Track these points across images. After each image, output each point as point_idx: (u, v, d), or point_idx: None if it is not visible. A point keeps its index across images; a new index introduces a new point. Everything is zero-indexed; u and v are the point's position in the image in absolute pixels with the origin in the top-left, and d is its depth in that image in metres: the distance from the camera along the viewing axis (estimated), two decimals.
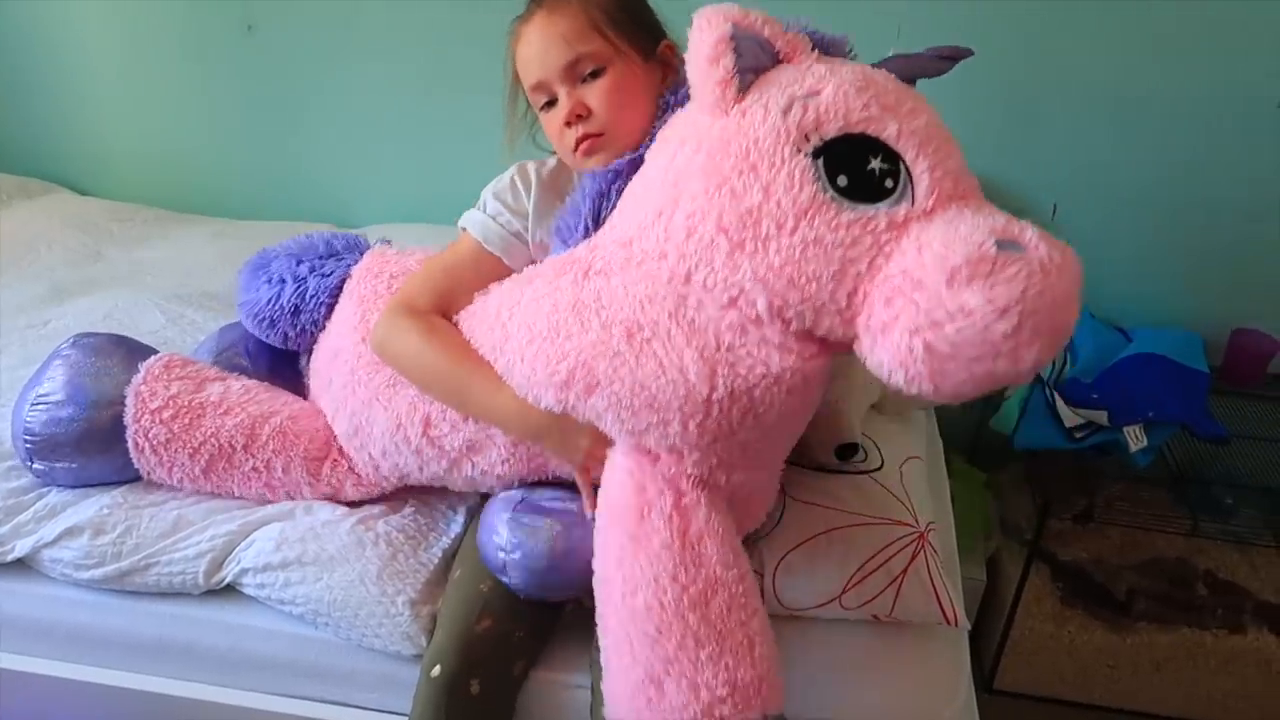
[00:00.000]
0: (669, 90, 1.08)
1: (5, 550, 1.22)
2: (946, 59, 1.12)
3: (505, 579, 1.10)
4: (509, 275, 1.12)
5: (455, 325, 1.12)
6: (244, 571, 1.20)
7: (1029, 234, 0.82)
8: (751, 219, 0.88)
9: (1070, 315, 0.82)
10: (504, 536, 1.09)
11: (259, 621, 1.21)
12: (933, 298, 0.80)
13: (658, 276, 0.95)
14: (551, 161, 1.18)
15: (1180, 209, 1.82)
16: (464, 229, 1.17)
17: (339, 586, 1.16)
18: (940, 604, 1.19)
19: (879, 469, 1.33)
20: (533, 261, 1.13)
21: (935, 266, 0.80)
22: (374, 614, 1.15)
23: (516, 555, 1.07)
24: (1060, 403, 1.64)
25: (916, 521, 1.24)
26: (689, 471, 0.98)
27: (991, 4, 1.72)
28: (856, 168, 0.87)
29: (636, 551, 0.96)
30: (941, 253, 0.80)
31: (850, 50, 1.05)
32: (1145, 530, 1.85)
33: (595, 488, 1.05)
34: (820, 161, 0.87)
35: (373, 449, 1.21)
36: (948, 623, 1.19)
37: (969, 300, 0.78)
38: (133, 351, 1.31)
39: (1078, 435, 1.62)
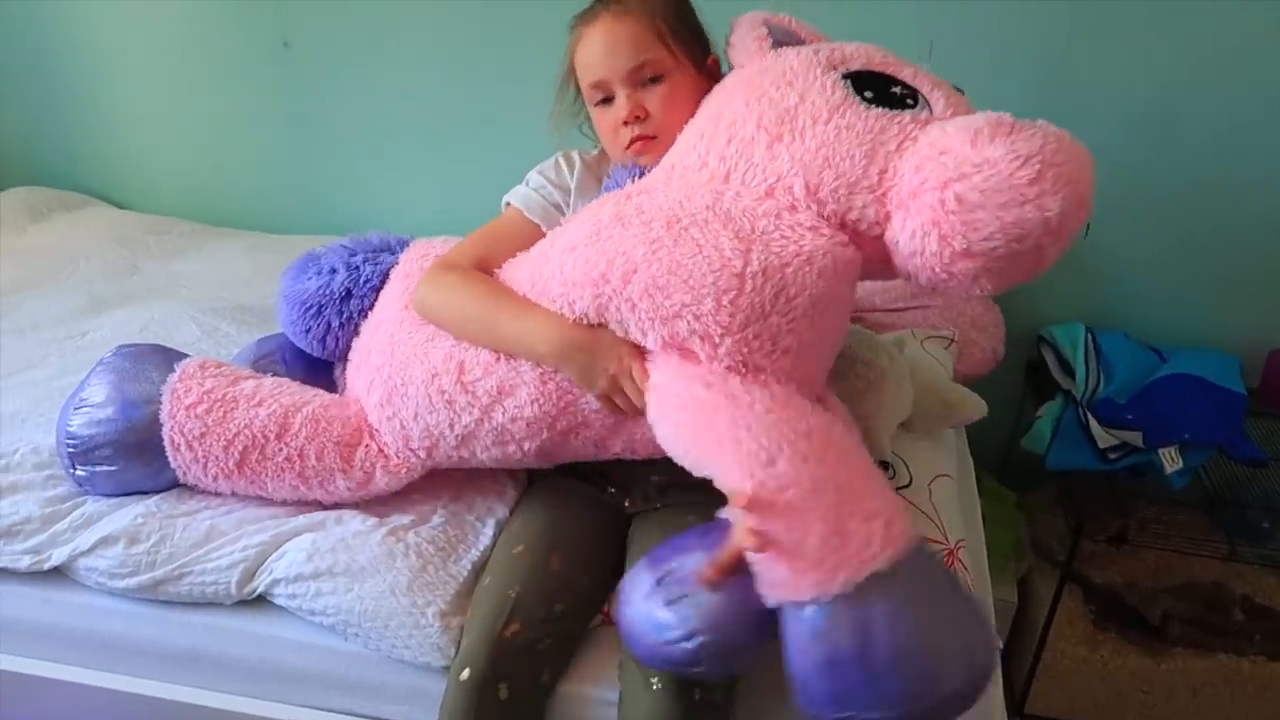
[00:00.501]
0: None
1: (42, 559, 1.23)
2: None
3: (698, 670, 0.97)
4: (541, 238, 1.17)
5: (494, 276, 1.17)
6: (276, 582, 1.20)
7: (1039, 122, 0.89)
8: (789, 115, 0.98)
9: (1088, 177, 0.88)
10: (672, 619, 0.95)
11: (290, 633, 1.21)
12: (959, 155, 0.87)
13: (698, 179, 1.02)
14: (594, 151, 1.26)
15: (1217, 227, 1.80)
16: (508, 203, 1.24)
17: (369, 597, 1.16)
18: None
19: (908, 486, 1.32)
20: None
21: (959, 132, 0.89)
22: (404, 625, 1.15)
23: (702, 639, 0.94)
24: (1094, 423, 1.62)
25: (946, 538, 1.23)
26: (726, 364, 0.97)
27: (1020, 17, 1.72)
28: (881, 88, 0.98)
29: (749, 424, 0.92)
30: (964, 122, 0.89)
31: None
32: (1180, 554, 1.83)
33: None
34: (848, 81, 0.98)
35: (405, 414, 1.21)
36: None
37: (993, 152, 0.85)
38: (170, 359, 1.32)
39: (1111, 456, 1.60)
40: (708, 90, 1.14)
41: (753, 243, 0.94)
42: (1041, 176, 0.83)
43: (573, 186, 1.23)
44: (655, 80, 1.14)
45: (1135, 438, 1.59)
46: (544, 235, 1.17)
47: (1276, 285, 1.82)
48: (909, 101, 0.96)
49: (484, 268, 1.17)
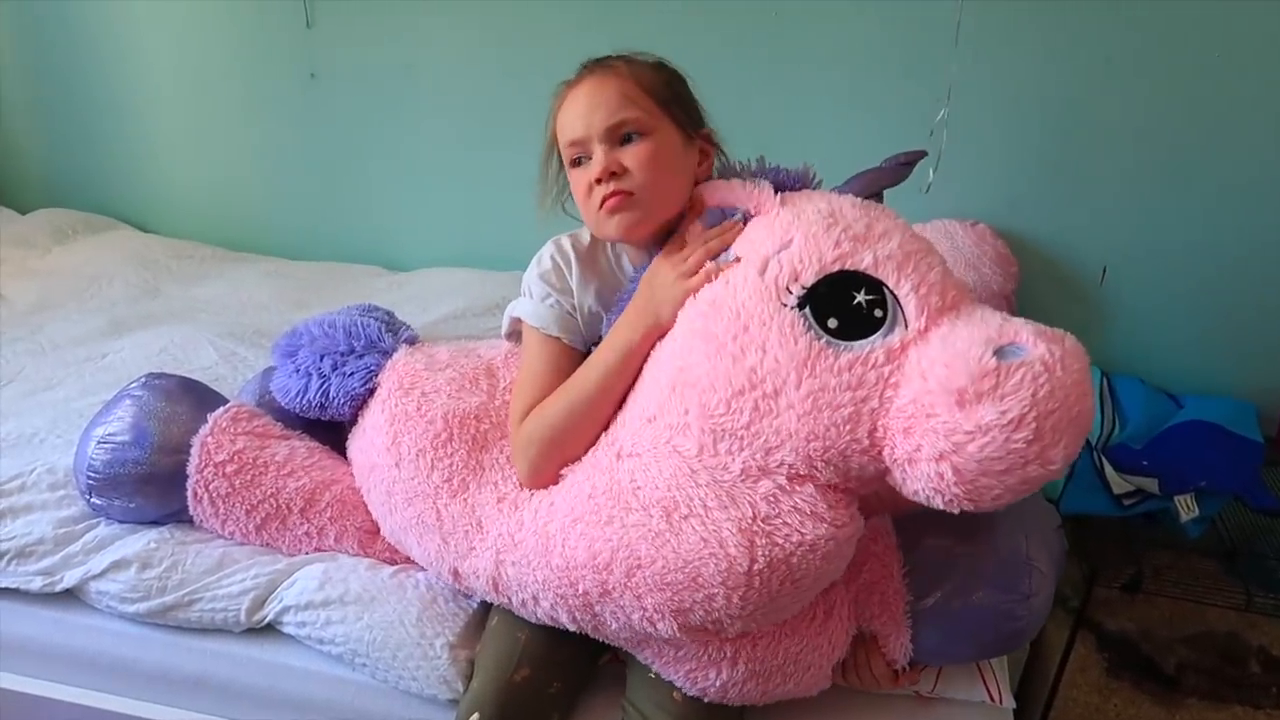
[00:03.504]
0: (729, 208, 1.06)
1: (54, 580, 1.24)
2: (904, 165, 1.16)
3: None
4: (577, 355, 1.13)
5: None
6: (286, 609, 1.20)
7: (1024, 334, 0.84)
8: (757, 379, 0.92)
9: (1085, 403, 0.84)
10: None
11: (297, 661, 1.21)
12: (948, 422, 0.82)
13: (686, 451, 0.97)
14: (584, 233, 1.19)
15: (1235, 274, 1.79)
16: (518, 318, 1.18)
17: (379, 626, 1.17)
18: (985, 683, 1.17)
19: None
20: (584, 335, 1.15)
21: (942, 391, 0.83)
22: (412, 656, 1.15)
23: None
24: (1109, 468, 1.61)
25: None
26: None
27: (1036, 63, 1.73)
28: (843, 306, 0.91)
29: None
30: (945, 376, 0.83)
31: (815, 178, 1.09)
32: (1196, 603, 1.80)
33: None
34: (807, 310, 0.91)
35: (415, 558, 1.22)
36: (992, 701, 1.17)
37: (983, 417, 0.81)
38: (201, 400, 1.32)
39: (1127, 502, 1.59)
40: (696, 165, 1.11)
41: (755, 535, 0.92)
42: (1039, 434, 0.80)
43: (574, 288, 1.15)
44: (634, 138, 1.06)
45: (1151, 484, 1.58)
46: (570, 348, 1.13)
47: None
48: (877, 314, 0.90)
49: None
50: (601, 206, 1.06)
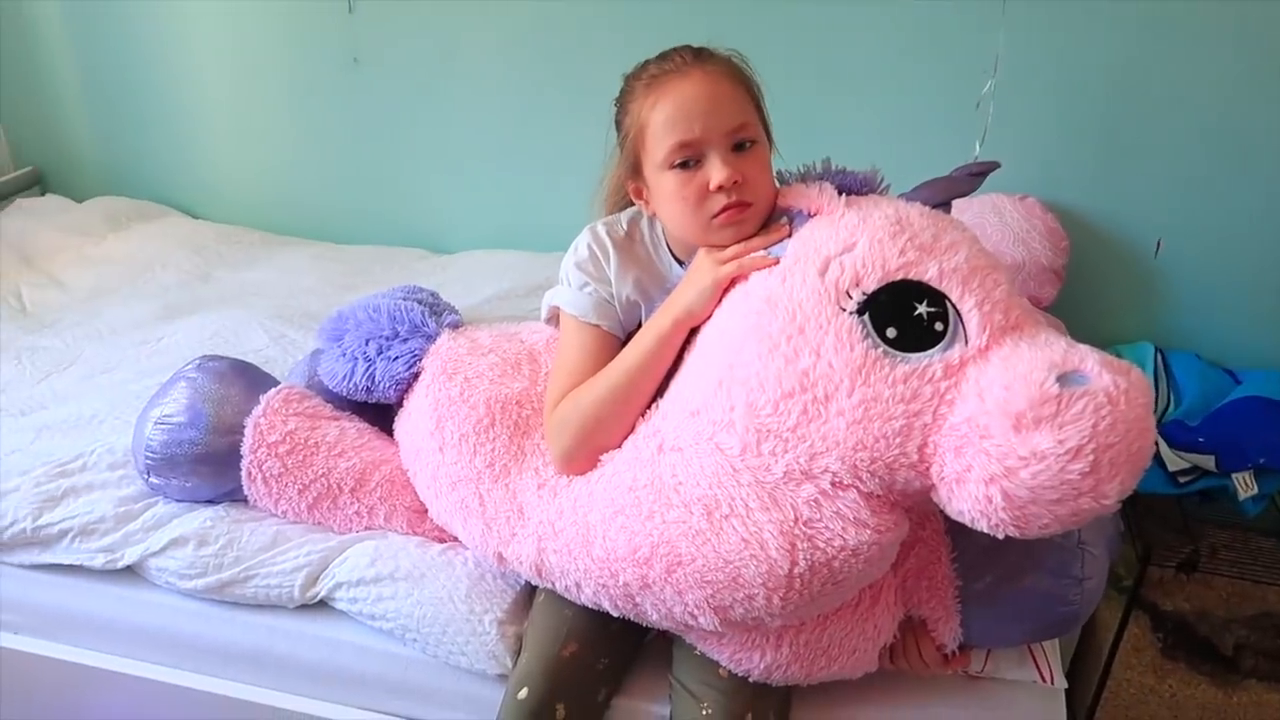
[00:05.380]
0: (793, 210, 1.05)
1: (115, 558, 1.28)
2: (976, 175, 1.14)
3: None
4: (615, 342, 1.12)
5: None
6: (338, 586, 1.23)
7: (1090, 362, 0.82)
8: (809, 383, 0.90)
9: (1146, 439, 0.82)
10: None
11: (350, 636, 1.24)
12: (1002, 445, 0.81)
13: (729, 449, 0.96)
14: (622, 221, 1.17)
15: None
16: (557, 307, 1.17)
17: (428, 603, 1.18)
18: (1036, 663, 1.16)
19: None
20: (622, 322, 1.14)
21: (1000, 413, 0.81)
22: (461, 631, 1.17)
23: None
24: (1163, 445, 1.58)
25: None
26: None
27: (1088, 31, 1.68)
28: (904, 316, 0.89)
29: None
30: (1003, 398, 0.82)
31: (882, 182, 1.07)
32: (1255, 583, 1.76)
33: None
34: (866, 317, 0.89)
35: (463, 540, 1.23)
36: (1043, 681, 1.16)
37: (1040, 444, 0.79)
38: (254, 381, 1.35)
39: (1182, 480, 1.55)
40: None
41: (796, 538, 0.92)
42: (1096, 467, 0.78)
43: (612, 277, 1.13)
44: (748, 145, 1.03)
45: (1207, 461, 1.54)
46: (608, 334, 1.13)
47: None
48: (938, 327, 0.88)
49: None
50: (717, 216, 1.02)
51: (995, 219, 1.72)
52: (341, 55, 2.05)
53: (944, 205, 1.20)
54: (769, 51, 1.80)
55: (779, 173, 1.11)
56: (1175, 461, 1.55)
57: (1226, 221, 1.76)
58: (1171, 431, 1.60)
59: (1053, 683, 1.16)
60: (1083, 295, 1.82)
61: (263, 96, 2.18)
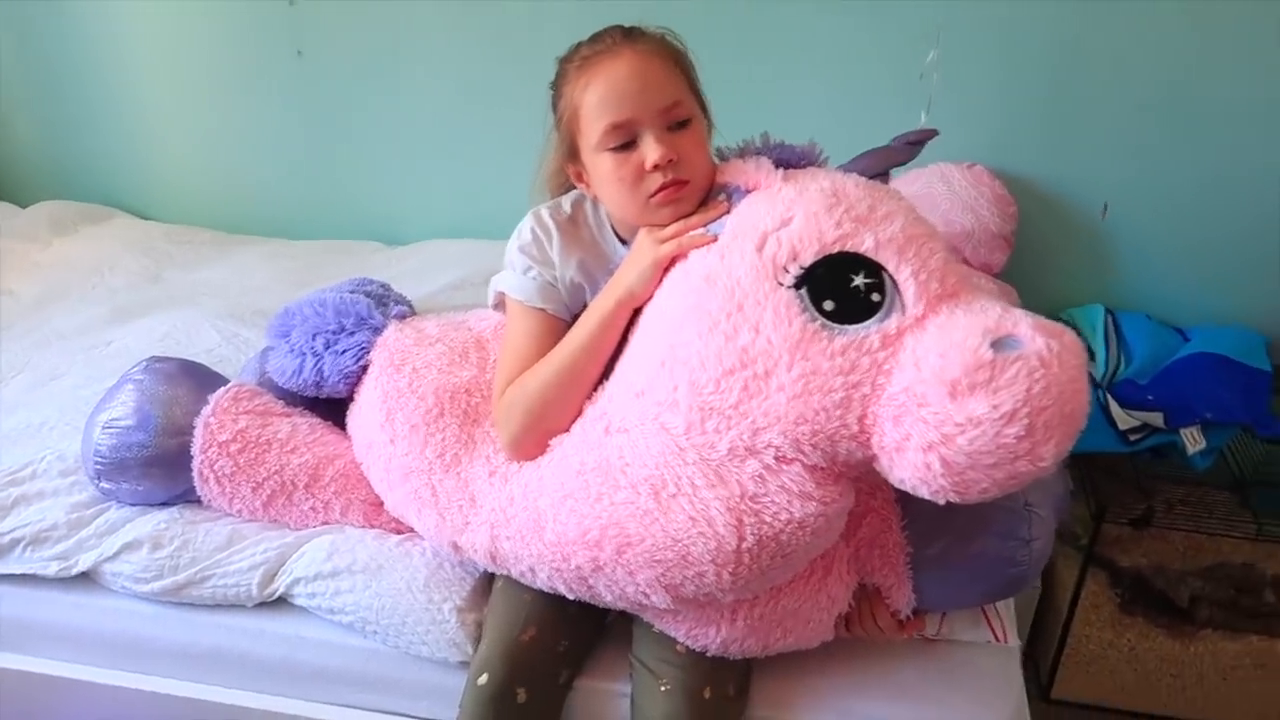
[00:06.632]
0: (731, 187, 1.05)
1: (69, 564, 1.27)
2: (914, 144, 1.14)
3: None
4: (561, 325, 1.12)
5: None
6: (296, 581, 1.22)
7: (1023, 326, 0.83)
8: (749, 359, 0.91)
9: (1080, 400, 0.83)
10: None
11: (310, 632, 1.24)
12: (939, 413, 0.82)
13: (674, 428, 0.97)
14: (564, 203, 1.17)
15: (1235, 205, 1.76)
16: (502, 292, 1.17)
17: (387, 594, 1.18)
18: (990, 624, 1.18)
19: None
20: (568, 305, 1.14)
21: (935, 381, 0.82)
22: (420, 621, 1.17)
23: None
24: (1114, 405, 1.60)
25: None
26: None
27: (1032, 2, 1.69)
28: (841, 288, 0.90)
29: None
30: (939, 365, 0.83)
31: (821, 155, 1.07)
32: (1210, 535, 1.80)
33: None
34: (804, 291, 0.90)
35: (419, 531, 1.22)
36: (997, 640, 1.17)
37: (975, 410, 0.80)
38: (202, 381, 1.34)
39: (1133, 438, 1.58)
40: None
41: (743, 514, 0.93)
42: (1031, 430, 0.79)
43: (555, 259, 1.13)
44: (684, 124, 1.03)
45: (1156, 418, 1.57)
46: (554, 318, 1.13)
47: None
48: (875, 298, 0.89)
49: None
50: (655, 195, 1.03)
51: (944, 187, 1.74)
52: (284, 48, 2.03)
53: (882, 175, 1.21)
54: (716, 28, 1.80)
55: (718, 149, 1.11)
56: (1125, 420, 1.58)
57: (1171, 183, 1.78)
58: (1122, 390, 1.62)
59: (1006, 642, 1.17)
60: (1033, 260, 1.84)
61: (207, 93, 2.15)
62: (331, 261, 2.03)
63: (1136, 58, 1.69)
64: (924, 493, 0.87)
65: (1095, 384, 1.67)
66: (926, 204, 1.72)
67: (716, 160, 1.10)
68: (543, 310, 1.13)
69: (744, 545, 0.94)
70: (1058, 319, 1.84)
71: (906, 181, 1.77)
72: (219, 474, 1.26)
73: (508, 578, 1.17)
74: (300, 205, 2.20)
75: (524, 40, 1.90)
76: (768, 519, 0.93)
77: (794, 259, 0.92)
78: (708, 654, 1.09)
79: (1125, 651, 1.68)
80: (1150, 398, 1.59)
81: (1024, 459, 0.81)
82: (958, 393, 0.81)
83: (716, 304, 0.94)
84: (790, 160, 1.05)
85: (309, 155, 2.15)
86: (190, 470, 1.26)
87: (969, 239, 1.71)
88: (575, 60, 1.06)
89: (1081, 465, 1.67)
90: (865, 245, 0.91)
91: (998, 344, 0.82)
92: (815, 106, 1.83)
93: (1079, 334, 1.77)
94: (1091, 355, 1.73)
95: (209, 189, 2.26)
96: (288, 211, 2.21)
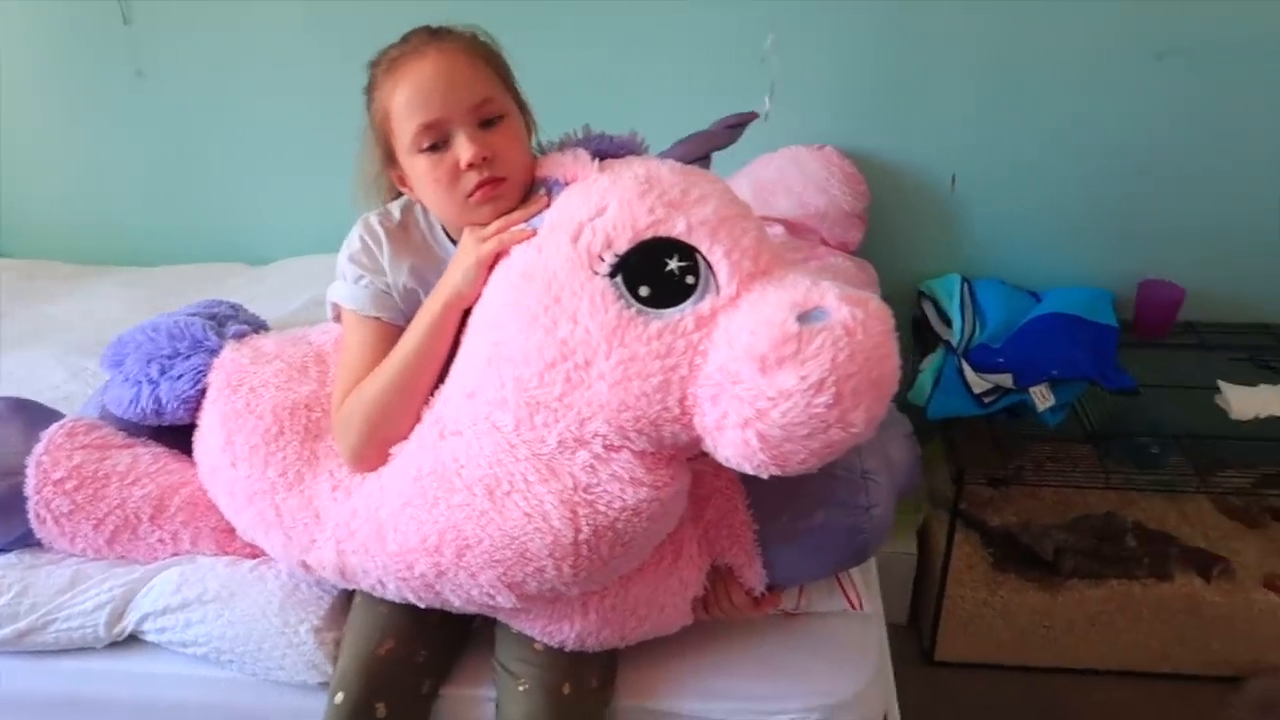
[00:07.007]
0: (551, 181, 1.05)
1: None
2: (734, 127, 1.16)
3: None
4: (397, 333, 1.10)
5: None
6: (144, 617, 1.19)
7: (829, 297, 0.85)
8: (569, 350, 0.91)
9: (887, 365, 0.86)
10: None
11: (165, 668, 1.20)
12: (752, 388, 0.83)
13: (505, 426, 0.97)
14: (394, 210, 1.16)
15: (1077, 167, 1.83)
16: (335, 303, 1.16)
17: (240, 621, 1.16)
18: (845, 593, 1.21)
19: None
20: (404, 312, 1.12)
21: (746, 357, 0.84)
22: (277, 645, 1.15)
23: None
24: (968, 369, 1.65)
25: None
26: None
27: None
28: (655, 274, 0.91)
29: None
30: (749, 342, 0.85)
31: (643, 144, 1.08)
32: (1077, 488, 1.87)
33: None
34: (619, 279, 0.91)
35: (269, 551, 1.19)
36: (853, 608, 1.20)
37: (785, 382, 0.82)
38: (33, 419, 1.28)
39: (987, 400, 1.63)
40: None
41: (577, 505, 0.93)
42: (840, 398, 0.81)
43: (386, 267, 1.12)
44: (495, 122, 1.02)
45: (1006, 380, 1.62)
46: (390, 326, 1.11)
47: (1142, 217, 1.86)
48: (689, 280, 0.90)
49: None
50: (472, 194, 1.02)
51: (795, 170, 1.77)
52: (123, 69, 1.96)
53: (703, 160, 1.22)
54: (559, 22, 1.79)
55: (540, 143, 1.11)
56: (979, 384, 1.63)
57: (1014, 151, 1.84)
58: (975, 355, 1.68)
59: (863, 608, 1.20)
60: (889, 236, 1.88)
61: (45, 120, 2.06)
62: (192, 286, 1.96)
63: (966, 29, 1.74)
64: (748, 469, 0.88)
65: (951, 350, 1.71)
66: (780, 187, 1.75)
67: (537, 155, 1.10)
68: (377, 319, 1.12)
69: (581, 537, 0.94)
70: (918, 291, 1.92)
71: (760, 166, 1.80)
72: (56, 514, 1.21)
73: (365, 592, 1.15)
74: (157, 231, 2.13)
75: (374, 49, 1.87)
76: (602, 508, 0.94)
77: (608, 247, 0.92)
78: (565, 649, 1.09)
79: (999, 609, 1.73)
80: (1001, 360, 1.64)
81: (835, 427, 0.83)
82: (767, 367, 0.83)
83: (535, 298, 0.94)
84: (610, 151, 1.05)
85: (160, 178, 2.08)
86: (26, 513, 1.21)
87: (823, 219, 1.74)
88: (383, 63, 1.06)
89: (942, 430, 1.71)
90: (678, 229, 0.92)
91: (805, 316, 0.84)
92: (665, 97, 1.84)
93: (937, 304, 1.85)
94: (949, 323, 1.78)
95: (58, 221, 2.18)
96: (143, 238, 2.14)
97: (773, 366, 0.83)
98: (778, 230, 1.71)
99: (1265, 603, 1.68)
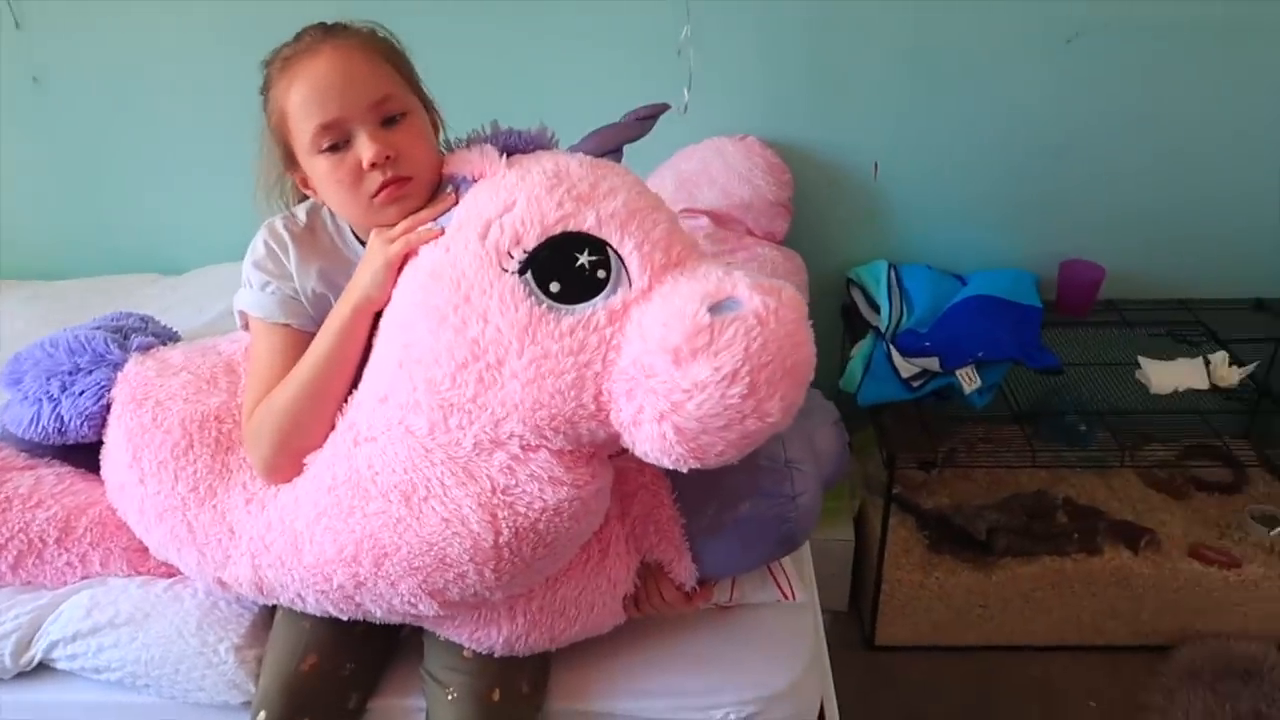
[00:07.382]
0: (459, 178, 1.02)
1: None
2: (645, 119, 1.16)
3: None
4: (307, 339, 1.06)
5: None
6: (54, 645, 1.14)
7: (741, 287, 0.84)
8: (480, 350, 0.89)
9: (801, 354, 0.85)
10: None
11: (78, 696, 1.16)
12: (666, 381, 0.82)
13: (419, 430, 0.94)
14: (300, 213, 1.13)
15: (997, 152, 1.85)
16: (243, 312, 1.12)
17: (155, 643, 1.12)
18: (777, 583, 1.20)
19: None
20: (313, 317, 1.09)
21: (660, 350, 0.83)
22: (195, 666, 1.11)
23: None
24: (896, 355, 1.66)
25: None
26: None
27: None
28: (566, 269, 0.89)
29: None
30: (661, 334, 0.83)
31: (553, 139, 1.06)
32: (1009, 468, 1.90)
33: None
34: (529, 275, 0.89)
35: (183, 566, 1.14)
36: (785, 598, 1.19)
37: (698, 374, 0.81)
38: None
39: (915, 384, 1.64)
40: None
41: (496, 508, 0.91)
42: (754, 388, 0.81)
43: (293, 272, 1.09)
44: (397, 120, 1.00)
45: (932, 363, 1.63)
46: (298, 332, 1.07)
47: (1062, 198, 1.89)
48: (600, 275, 0.89)
49: None
50: (377, 195, 0.99)
51: (719, 161, 1.76)
52: (18, 76, 1.87)
53: (615, 153, 1.20)
54: (465, 12, 1.75)
55: (448, 141, 1.09)
56: (907, 368, 1.64)
57: (935, 137, 1.85)
58: (903, 340, 1.69)
59: (794, 598, 1.19)
60: (815, 225, 1.88)
61: None
62: (100, 299, 1.88)
63: (884, 17, 1.74)
64: (666, 463, 0.87)
65: (880, 336, 1.72)
66: (704, 179, 1.74)
67: (445, 152, 1.07)
68: (286, 325, 1.08)
69: (501, 539, 0.92)
70: (846, 279, 1.92)
71: (683, 158, 1.79)
72: None
73: (287, 607, 1.12)
74: (62, 242, 2.05)
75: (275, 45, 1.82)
76: (521, 510, 0.92)
77: (517, 244, 0.90)
78: (495, 655, 1.07)
79: (936, 590, 1.74)
80: (927, 344, 1.65)
81: (751, 417, 0.82)
82: (681, 359, 0.82)
83: (444, 298, 0.92)
84: (519, 146, 1.03)
85: (64, 188, 2.00)
86: None
87: (748, 210, 1.74)
88: (276, 62, 1.02)
89: (873, 415, 1.72)
90: (588, 223, 0.91)
91: (717, 307, 0.84)
92: (584, 90, 1.81)
93: (865, 291, 1.85)
94: (878, 309, 1.79)
95: None
96: (49, 250, 2.05)
97: (686, 358, 0.82)
98: (703, 222, 1.70)
99: (1191, 571, 1.72)
